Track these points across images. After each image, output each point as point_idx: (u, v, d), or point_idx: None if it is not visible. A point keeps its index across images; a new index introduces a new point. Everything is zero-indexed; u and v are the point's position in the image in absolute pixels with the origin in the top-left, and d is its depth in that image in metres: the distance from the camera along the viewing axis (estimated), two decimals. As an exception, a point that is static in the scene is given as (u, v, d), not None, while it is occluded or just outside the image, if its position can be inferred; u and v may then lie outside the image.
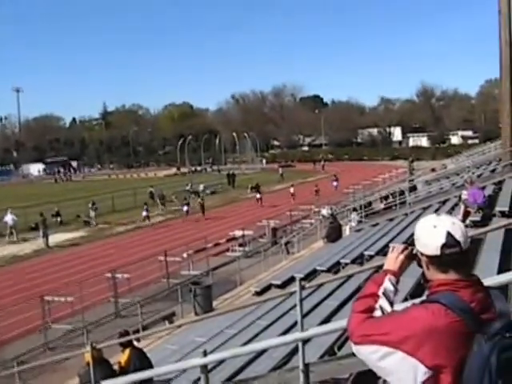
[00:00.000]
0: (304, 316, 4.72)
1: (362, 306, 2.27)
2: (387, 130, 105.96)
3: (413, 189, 28.57)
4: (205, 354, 4.94)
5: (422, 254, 2.23)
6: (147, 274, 21.80)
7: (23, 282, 23.21)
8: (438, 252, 2.13)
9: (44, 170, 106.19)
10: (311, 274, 14.30)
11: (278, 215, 33.62)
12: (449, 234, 2.12)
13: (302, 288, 4.71)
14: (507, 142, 19.39)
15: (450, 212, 15.35)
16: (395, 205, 25.16)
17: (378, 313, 2.23)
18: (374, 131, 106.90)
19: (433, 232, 2.16)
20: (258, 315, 11.43)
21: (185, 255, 23.79)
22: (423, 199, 23.49)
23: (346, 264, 14.32)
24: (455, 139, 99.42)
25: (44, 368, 13.07)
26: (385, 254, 2.59)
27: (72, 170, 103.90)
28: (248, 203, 46.01)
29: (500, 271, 6.63)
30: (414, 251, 2.31)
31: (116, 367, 8.60)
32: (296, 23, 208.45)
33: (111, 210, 43.60)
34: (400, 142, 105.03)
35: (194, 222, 37.23)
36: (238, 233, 28.69)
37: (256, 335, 9.60)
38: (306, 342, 4.92)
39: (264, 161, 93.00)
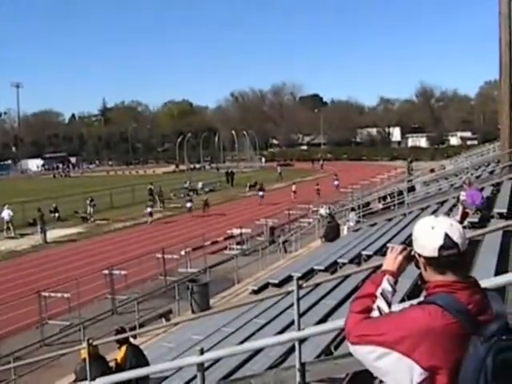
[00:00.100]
0: (301, 315, 4.73)
1: (360, 306, 2.27)
2: (386, 130, 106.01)
3: (411, 189, 28.60)
4: (201, 352, 4.94)
5: (419, 256, 2.22)
6: (144, 271, 21.78)
7: (20, 278, 23.19)
8: (435, 253, 2.13)
9: (43, 165, 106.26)
10: (309, 274, 14.30)
11: (277, 214, 33.61)
12: (446, 236, 2.12)
13: (300, 287, 4.71)
14: (506, 143, 19.38)
15: (448, 213, 15.37)
16: (393, 205, 25.20)
17: (375, 313, 2.23)
18: (373, 131, 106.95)
19: (431, 233, 2.16)
20: (255, 314, 11.42)
21: (182, 253, 23.78)
22: (421, 200, 23.53)
23: (344, 264, 14.32)
24: (454, 140, 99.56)
25: (40, 364, 13.04)
26: (382, 255, 2.59)
27: (70, 166, 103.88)
28: (247, 201, 46.03)
29: (497, 273, 6.64)
30: (412, 252, 2.31)
31: (112, 364, 8.61)
32: (296, 22, 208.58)
33: (109, 207, 43.59)
34: (399, 143, 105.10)
35: (194, 219, 37.23)
36: (236, 231, 28.71)
37: (253, 334, 9.60)
38: (302, 341, 4.93)
39: (263, 159, 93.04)
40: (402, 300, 6.23)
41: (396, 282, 2.36)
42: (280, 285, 13.90)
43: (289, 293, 6.74)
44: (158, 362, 8.67)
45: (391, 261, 2.40)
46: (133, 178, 69.06)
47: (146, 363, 8.37)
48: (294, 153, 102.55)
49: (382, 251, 13.41)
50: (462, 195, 13.56)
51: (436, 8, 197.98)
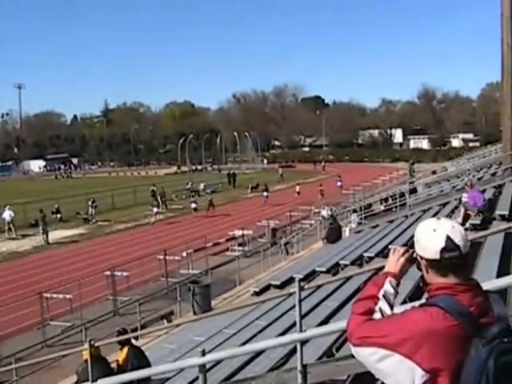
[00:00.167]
0: (303, 317, 4.72)
1: (362, 307, 2.27)
2: (388, 131, 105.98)
3: (413, 191, 28.58)
4: (203, 353, 4.94)
5: (421, 258, 2.23)
6: (146, 272, 21.79)
7: (22, 279, 23.20)
8: (437, 256, 2.13)
9: (44, 166, 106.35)
10: (310, 275, 14.31)
11: (279, 215, 33.61)
12: (448, 238, 2.12)
13: (301, 289, 4.71)
14: (508, 145, 19.39)
15: (450, 215, 15.37)
16: (395, 207, 25.17)
17: (377, 315, 2.23)
18: (375, 133, 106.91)
19: (432, 236, 2.16)
20: (257, 315, 11.43)
21: (184, 254, 23.78)
22: (423, 201, 23.52)
23: (346, 265, 14.32)
24: (456, 142, 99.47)
25: (41, 365, 13.04)
26: (384, 256, 2.60)
27: (72, 167, 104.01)
28: (249, 203, 46.07)
29: (499, 275, 6.63)
30: (414, 254, 2.31)
31: (114, 365, 8.61)
32: (298, 23, 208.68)
33: (111, 208, 43.60)
34: (401, 144, 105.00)
35: (196, 221, 37.23)
36: (238, 232, 28.70)
37: (254, 335, 9.61)
38: (304, 342, 4.93)
39: (265, 161, 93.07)
40: (404, 302, 6.23)
41: (398, 284, 2.36)
42: (282, 286, 13.91)
43: (290, 294, 6.75)
44: (159, 364, 8.68)
45: (393, 263, 2.41)
46: (134, 180, 69.13)
47: (148, 364, 8.37)
48: (296, 154, 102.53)
49: (383, 253, 13.42)
50: (464, 197, 13.57)
51: (438, 9, 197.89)
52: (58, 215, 38.93)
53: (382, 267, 2.47)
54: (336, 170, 67.24)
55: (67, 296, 18.15)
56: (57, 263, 26.26)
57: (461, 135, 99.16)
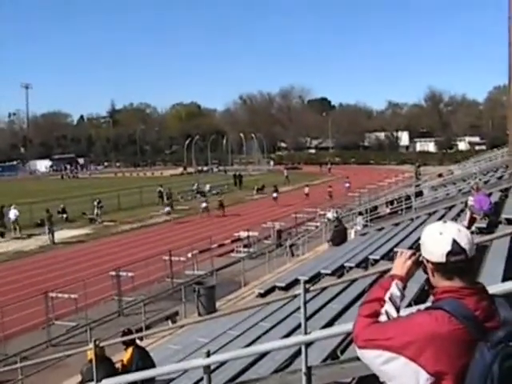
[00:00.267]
0: (307, 319, 4.72)
1: (368, 310, 2.27)
2: (394, 134, 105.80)
3: (419, 194, 28.57)
4: (208, 354, 4.94)
5: (427, 261, 2.23)
6: (151, 272, 21.81)
7: (27, 278, 23.27)
8: (443, 259, 2.13)
9: (51, 166, 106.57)
10: (315, 277, 14.28)
11: (284, 217, 33.60)
12: (454, 242, 2.12)
13: (306, 291, 4.71)
14: (515, 149, 19.33)
15: (456, 218, 15.34)
16: (401, 210, 25.14)
17: (383, 318, 2.23)
18: (381, 135, 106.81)
19: (438, 239, 2.16)
20: (262, 317, 11.42)
21: (189, 255, 23.80)
22: (429, 205, 23.48)
23: (351, 268, 14.30)
24: (462, 145, 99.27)
25: (46, 364, 13.07)
26: (389, 259, 2.60)
27: (79, 167, 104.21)
28: (255, 204, 46.10)
29: (505, 279, 6.60)
30: (421, 258, 2.31)
31: (118, 365, 8.62)
32: (305, 26, 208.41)
33: (117, 208, 43.69)
34: (407, 147, 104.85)
35: (202, 221, 37.30)
36: (243, 234, 28.72)
37: (259, 337, 9.60)
38: (308, 344, 4.93)
39: (271, 162, 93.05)
40: (409, 305, 6.22)
41: (405, 287, 2.36)
42: (286, 288, 13.91)
43: (295, 296, 6.74)
44: (164, 364, 8.68)
45: (400, 265, 2.40)
46: (140, 180, 69.23)
47: (152, 365, 8.38)
48: (302, 156, 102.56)
49: (388, 256, 13.39)
50: (470, 200, 13.52)
51: (445, 12, 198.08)
52: (64, 215, 39.06)
53: (387, 270, 2.47)
54: (342, 172, 67.24)
55: (72, 296, 18.19)
56: (62, 263, 26.32)
57: (467, 138, 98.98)
